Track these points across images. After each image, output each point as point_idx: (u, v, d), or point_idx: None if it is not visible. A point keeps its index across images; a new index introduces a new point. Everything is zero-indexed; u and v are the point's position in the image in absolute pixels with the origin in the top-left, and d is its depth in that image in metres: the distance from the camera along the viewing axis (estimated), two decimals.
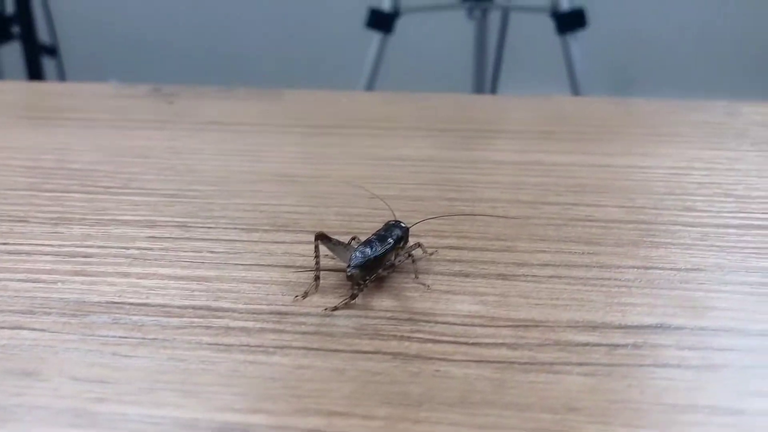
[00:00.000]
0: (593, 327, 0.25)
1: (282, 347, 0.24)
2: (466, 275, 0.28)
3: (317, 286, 0.27)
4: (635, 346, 0.24)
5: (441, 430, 0.20)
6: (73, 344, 0.24)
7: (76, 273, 0.28)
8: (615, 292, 0.27)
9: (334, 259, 0.29)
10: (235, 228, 0.32)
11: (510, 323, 0.25)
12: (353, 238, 0.30)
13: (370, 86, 1.18)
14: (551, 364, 0.23)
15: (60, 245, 0.30)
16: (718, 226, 0.32)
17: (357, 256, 0.28)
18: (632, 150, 0.42)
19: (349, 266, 0.27)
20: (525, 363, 0.23)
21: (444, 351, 0.23)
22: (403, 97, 0.54)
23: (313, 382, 0.22)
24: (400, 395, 0.21)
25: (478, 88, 1.27)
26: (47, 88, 0.60)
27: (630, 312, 0.26)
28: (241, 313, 0.26)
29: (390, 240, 0.28)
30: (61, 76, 1.38)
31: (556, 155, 0.41)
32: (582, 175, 0.38)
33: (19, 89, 0.59)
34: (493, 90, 1.28)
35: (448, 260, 0.29)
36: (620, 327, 0.25)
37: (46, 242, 0.31)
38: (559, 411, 0.21)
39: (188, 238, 0.31)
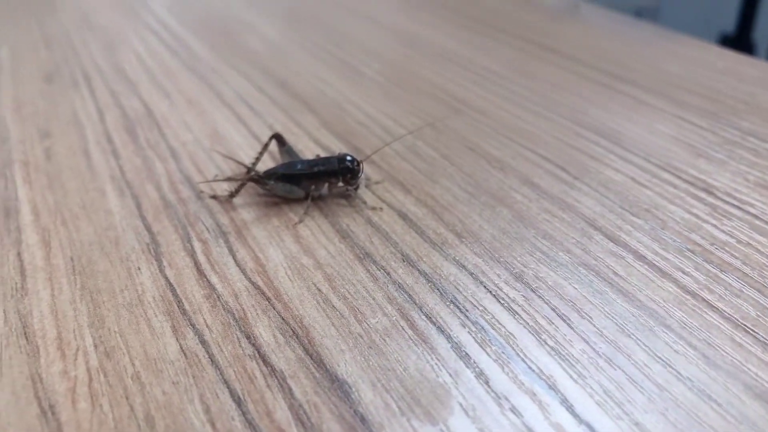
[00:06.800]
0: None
1: (132, 195, 0.26)
2: (344, 236, 0.24)
3: (243, 175, 0.27)
4: None
5: None
6: None
7: None
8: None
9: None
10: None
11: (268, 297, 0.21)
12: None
13: None
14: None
15: None
16: None
17: (278, 165, 0.27)
18: None
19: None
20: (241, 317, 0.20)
21: (181, 282, 0.21)
22: None
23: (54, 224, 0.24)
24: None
25: None
26: None
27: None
28: (170, 162, 0.29)
29: (315, 168, 0.26)
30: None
31: None
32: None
33: None
34: None
35: (372, 223, 0.25)
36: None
37: None
38: None
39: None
